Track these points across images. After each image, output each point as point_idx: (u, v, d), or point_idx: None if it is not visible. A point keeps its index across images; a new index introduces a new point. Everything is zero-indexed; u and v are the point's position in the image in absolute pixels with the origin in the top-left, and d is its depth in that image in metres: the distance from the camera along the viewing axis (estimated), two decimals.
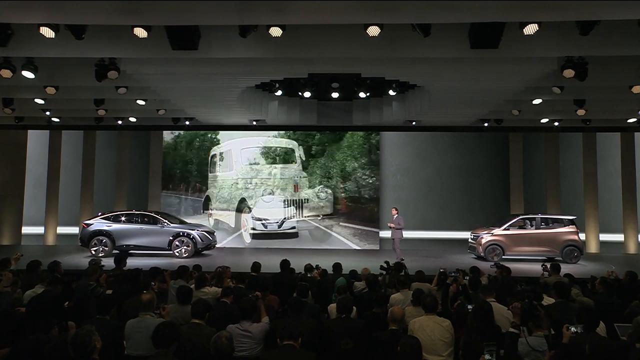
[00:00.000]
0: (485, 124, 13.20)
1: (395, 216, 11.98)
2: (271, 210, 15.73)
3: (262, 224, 15.60)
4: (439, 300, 4.72)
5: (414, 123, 13.43)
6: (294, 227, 15.64)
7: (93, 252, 11.83)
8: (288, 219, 15.68)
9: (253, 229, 15.62)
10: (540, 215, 12.66)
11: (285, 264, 7.24)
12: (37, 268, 6.56)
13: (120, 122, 13.29)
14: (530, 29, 6.20)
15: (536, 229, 12.33)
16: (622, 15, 5.86)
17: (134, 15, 6.02)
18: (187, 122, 13.61)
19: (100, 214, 12.78)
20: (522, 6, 5.73)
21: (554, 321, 3.97)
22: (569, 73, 7.64)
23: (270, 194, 15.85)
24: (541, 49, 7.16)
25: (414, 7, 5.84)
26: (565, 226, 12.31)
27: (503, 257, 11.94)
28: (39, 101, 10.65)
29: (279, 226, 15.62)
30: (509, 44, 6.73)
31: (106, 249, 11.93)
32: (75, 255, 12.11)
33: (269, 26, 6.30)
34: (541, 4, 5.66)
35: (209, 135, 16.14)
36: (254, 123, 13.70)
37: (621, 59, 7.96)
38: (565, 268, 7.91)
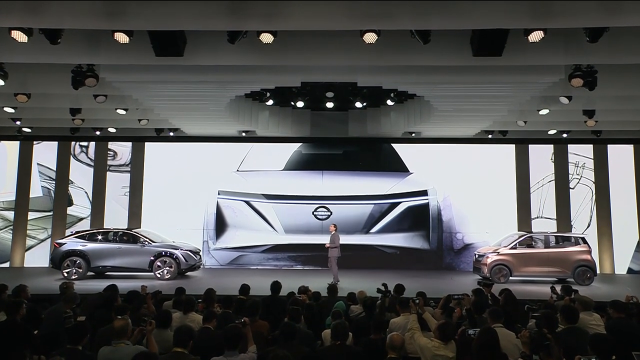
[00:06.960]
0: (489, 136, 13.35)
1: (332, 233, 11.78)
2: None
3: None
4: None
5: (413, 134, 13.56)
6: None
7: (65, 274, 11.65)
8: None
9: None
10: (549, 233, 12.72)
11: (276, 286, 7.19)
12: (3, 293, 6.45)
13: (98, 132, 13.27)
14: (536, 36, 6.31)
15: (545, 247, 12.38)
16: (633, 22, 6.00)
17: (115, 19, 6.06)
18: (171, 133, 13.64)
19: (74, 232, 12.64)
20: (527, 12, 5.85)
21: (565, 349, 3.94)
22: (577, 82, 7.77)
23: None
24: (547, 57, 7.29)
25: (412, 13, 5.95)
26: (576, 245, 12.36)
27: (510, 278, 11.94)
28: (9, 110, 10.61)
29: None
30: (514, 51, 6.84)
31: (80, 270, 11.75)
32: (45, 277, 11.91)
33: (260, 32, 6.36)
34: (547, 10, 5.79)
35: None
36: (243, 134, 13.77)
37: (632, 67, 8.11)
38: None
